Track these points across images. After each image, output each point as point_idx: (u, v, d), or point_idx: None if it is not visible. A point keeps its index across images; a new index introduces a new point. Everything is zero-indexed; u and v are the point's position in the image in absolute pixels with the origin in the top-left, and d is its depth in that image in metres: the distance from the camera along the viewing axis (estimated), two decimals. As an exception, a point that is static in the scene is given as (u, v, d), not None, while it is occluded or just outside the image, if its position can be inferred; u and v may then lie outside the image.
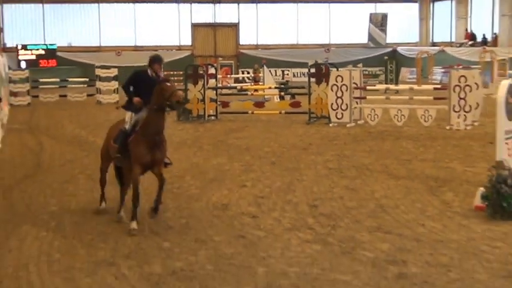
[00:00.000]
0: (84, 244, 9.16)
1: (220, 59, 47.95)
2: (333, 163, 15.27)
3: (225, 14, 51.80)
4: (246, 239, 9.29)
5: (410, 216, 10.36)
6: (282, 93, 30.67)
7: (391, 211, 10.71)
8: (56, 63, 46.47)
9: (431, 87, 26.81)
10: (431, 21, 53.54)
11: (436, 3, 53.43)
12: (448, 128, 20.51)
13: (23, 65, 43.98)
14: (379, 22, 52.86)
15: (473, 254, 8.39)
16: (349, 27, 52.59)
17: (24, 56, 45.86)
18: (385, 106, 22.47)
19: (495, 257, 8.28)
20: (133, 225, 9.63)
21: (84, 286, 7.61)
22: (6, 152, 17.83)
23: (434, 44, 51.55)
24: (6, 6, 48.35)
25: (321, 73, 23.60)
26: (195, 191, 12.49)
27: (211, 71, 27.30)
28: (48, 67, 45.43)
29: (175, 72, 37.52)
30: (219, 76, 32.61)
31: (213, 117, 24.77)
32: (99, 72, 33.59)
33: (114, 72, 33.34)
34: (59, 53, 47.02)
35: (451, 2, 50.69)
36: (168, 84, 9.87)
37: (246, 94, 27.26)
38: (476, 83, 21.10)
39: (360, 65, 25.19)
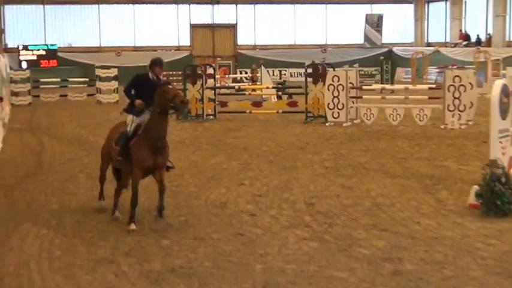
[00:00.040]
0: (85, 242, 9.16)
1: (218, 59, 47.91)
2: (330, 162, 15.27)
3: (223, 14, 51.77)
4: (244, 237, 9.30)
5: (405, 214, 10.37)
6: (280, 93, 30.66)
7: (386, 209, 10.72)
8: (57, 63, 46.41)
9: (426, 87, 26.83)
10: (426, 22, 53.54)
11: (431, 4, 53.44)
12: (442, 127, 20.53)
13: (24, 65, 43.92)
14: (375, 23, 52.85)
15: (467, 251, 8.40)
16: (345, 28, 52.56)
17: (25, 56, 45.80)
18: (380, 106, 22.48)
19: (489, 254, 8.29)
20: (132, 226, 9.62)
21: (85, 283, 7.60)
22: (8, 151, 17.81)
23: (429, 45, 51.55)
24: (7, 7, 48.28)
25: (317, 73, 23.60)
26: (194, 189, 12.49)
27: (210, 71, 27.32)
28: (49, 67, 45.35)
29: (174, 72, 37.51)
30: (217, 76, 32.67)
31: (211, 117, 24.77)
32: (99, 72, 33.56)
33: (114, 72, 33.32)
34: (59, 54, 46.95)
35: (446, 3, 50.70)
36: (170, 86, 9.83)
37: (244, 94, 27.24)
38: (470, 83, 21.12)
39: (356, 65, 25.22)
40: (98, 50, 49.27)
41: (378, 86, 29.06)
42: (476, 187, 10.42)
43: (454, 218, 10.04)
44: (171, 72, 38.40)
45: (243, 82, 40.44)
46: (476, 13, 47.18)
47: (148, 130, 9.72)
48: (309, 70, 24.20)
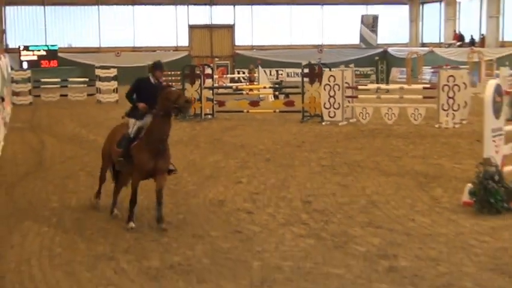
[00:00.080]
0: (85, 239, 9.15)
1: (216, 59, 47.88)
2: (326, 160, 15.28)
3: (221, 15, 51.72)
4: (241, 234, 9.30)
5: (400, 212, 10.37)
6: (277, 93, 30.69)
7: (382, 206, 10.72)
8: (57, 63, 46.30)
9: (420, 86, 26.82)
10: (420, 22, 53.54)
11: (425, 5, 53.43)
12: (437, 126, 20.54)
13: (25, 65, 43.84)
14: (370, 23, 52.82)
15: (461, 248, 8.40)
16: (341, 29, 52.52)
17: (26, 56, 45.69)
18: (376, 105, 22.50)
19: (483, 250, 8.30)
20: (131, 225, 9.60)
21: (85, 280, 7.60)
22: (9, 149, 17.79)
23: (423, 45, 51.55)
24: (8, 8, 48.18)
25: (314, 73, 23.61)
26: (192, 187, 12.48)
27: (208, 71, 27.26)
28: (50, 67, 45.24)
29: (172, 73, 37.44)
30: (215, 76, 32.59)
31: (209, 116, 24.77)
32: (98, 72, 33.54)
33: (113, 72, 33.29)
34: (59, 54, 46.85)
35: (440, 4, 50.71)
36: (173, 88, 9.78)
37: (242, 93, 27.22)
38: (464, 83, 21.14)
39: (352, 65, 25.18)
40: (98, 50, 49.20)
41: (374, 86, 29.03)
42: (470, 185, 10.43)
43: (448, 216, 10.05)
44: (169, 73, 38.34)
45: (241, 82, 40.41)
46: (470, 14, 47.20)
47: (151, 133, 9.59)
48: (306, 70, 24.20)
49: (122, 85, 32.20)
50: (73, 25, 49.48)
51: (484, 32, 44.58)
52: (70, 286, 7.42)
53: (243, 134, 20.37)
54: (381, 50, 51.48)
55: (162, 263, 8.09)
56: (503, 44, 42.45)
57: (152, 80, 10.09)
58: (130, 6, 50.41)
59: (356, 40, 52.71)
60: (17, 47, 46.42)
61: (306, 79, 23.82)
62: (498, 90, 10.40)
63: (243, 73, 43.70)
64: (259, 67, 35.39)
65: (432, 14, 52.13)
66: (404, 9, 54.04)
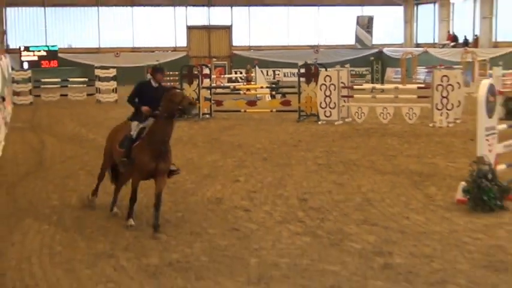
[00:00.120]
0: (85, 237, 9.14)
1: (214, 59, 47.87)
2: (322, 159, 15.28)
3: (218, 16, 51.72)
4: (239, 232, 9.29)
5: (395, 210, 10.38)
6: (273, 93, 30.67)
7: (377, 204, 10.72)
8: (57, 64, 46.25)
9: (415, 86, 26.83)
10: (415, 23, 53.59)
11: (420, 7, 53.48)
12: (431, 125, 20.56)
13: (26, 65, 43.79)
14: (366, 24, 52.85)
15: (455, 245, 8.41)
16: (337, 29, 52.57)
17: (26, 57, 45.65)
18: (371, 104, 22.50)
19: (476, 248, 8.31)
20: (130, 222, 9.58)
21: (85, 277, 7.59)
22: (10, 149, 17.76)
23: (418, 45, 51.59)
24: (9, 9, 48.12)
25: (310, 73, 23.61)
26: (191, 186, 12.47)
27: (206, 71, 27.29)
28: (50, 68, 45.20)
29: (171, 73, 37.45)
30: (213, 76, 32.57)
31: (207, 116, 24.76)
32: (98, 72, 33.52)
33: (112, 72, 33.28)
34: (60, 54, 46.81)
35: (434, 5, 50.77)
36: (178, 90, 9.72)
37: (239, 93, 27.22)
38: (458, 82, 21.16)
39: (348, 65, 25.13)
40: (97, 50, 49.17)
41: (369, 86, 29.03)
42: (463, 183, 10.43)
43: (442, 213, 10.06)
44: (168, 73, 38.30)
45: (238, 82, 40.45)
46: (464, 15, 47.26)
47: (153, 133, 9.48)
48: (302, 70, 24.19)
49: (121, 85, 32.34)
50: (73, 26, 49.44)
51: (477, 32, 44.65)
52: (70, 283, 7.41)
53: (241, 133, 20.37)
54: (376, 50, 51.54)
55: (161, 260, 8.08)
56: (496, 45, 42.53)
57: (153, 83, 10.03)
58: (129, 7, 50.40)
59: (352, 41, 52.76)
60: (18, 47, 46.38)
61: (302, 79, 23.81)
62: (491, 90, 10.41)
63: (241, 73, 43.71)
64: (257, 67, 35.35)
65: (426, 15, 52.19)
66: (399, 10, 54.08)
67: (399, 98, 23.25)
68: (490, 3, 43.32)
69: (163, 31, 50.53)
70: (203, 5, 51.12)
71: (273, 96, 29.96)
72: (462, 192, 10.39)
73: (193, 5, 50.98)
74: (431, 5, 51.25)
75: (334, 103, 22.22)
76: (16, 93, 32.25)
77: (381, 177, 12.89)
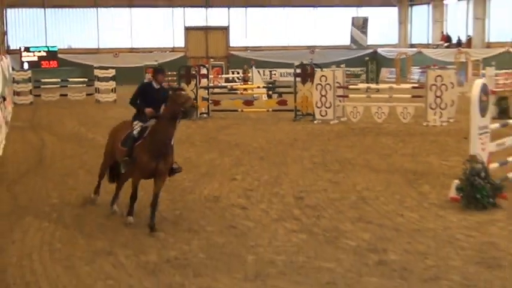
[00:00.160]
0: (84, 234, 9.14)
1: (211, 60, 47.77)
2: (318, 158, 15.28)
3: (216, 17, 51.66)
4: (236, 229, 9.30)
5: (390, 207, 10.39)
6: (270, 92, 30.64)
7: (372, 202, 10.74)
8: (57, 64, 46.15)
9: (409, 86, 26.82)
10: (409, 24, 53.58)
11: (414, 8, 53.47)
12: (425, 124, 20.58)
13: (26, 66, 43.69)
14: (361, 25, 52.84)
15: (448, 242, 8.42)
16: (332, 30, 52.56)
17: (26, 57, 45.54)
18: (366, 104, 22.50)
19: (469, 245, 8.32)
20: (130, 219, 9.58)
21: (84, 274, 7.59)
22: (10, 148, 17.74)
23: (412, 46, 51.56)
24: (10, 10, 48.01)
25: (306, 73, 23.60)
26: (188, 184, 12.47)
27: (203, 71, 27.28)
28: (50, 68, 45.09)
29: (169, 73, 37.40)
30: (210, 76, 32.58)
31: (205, 115, 24.75)
32: (97, 72, 33.46)
33: (111, 72, 33.22)
34: (59, 55, 46.71)
35: (428, 6, 50.77)
36: (183, 92, 9.69)
37: (236, 93, 27.17)
38: (451, 82, 21.20)
39: (343, 65, 25.14)
40: (97, 51, 49.08)
41: (364, 86, 29.05)
42: (457, 181, 10.45)
43: (436, 211, 10.07)
44: (166, 73, 38.25)
45: (235, 82, 40.36)
46: (457, 16, 47.27)
47: (154, 133, 9.39)
48: (298, 70, 24.17)
49: (120, 85, 32.34)
50: (72, 27, 49.35)
51: (470, 33, 44.65)
52: (70, 280, 7.42)
53: (238, 132, 20.37)
54: (371, 50, 51.52)
55: (159, 257, 8.09)
56: (489, 45, 42.54)
57: (154, 84, 9.98)
58: (127, 9, 50.31)
59: (347, 41, 52.73)
60: (18, 48, 46.27)
61: (298, 79, 23.80)
62: (484, 90, 10.43)
63: (238, 73, 43.67)
64: (253, 67, 35.35)
65: (420, 16, 52.20)
66: (394, 11, 54.08)
67: (394, 98, 23.24)
68: (482, 4, 43.35)
69: (161, 32, 50.43)
70: (201, 6, 51.07)
71: (269, 96, 29.94)
72: (455, 190, 10.41)
73: (191, 6, 50.91)
74: (425, 6, 51.26)
75: (330, 103, 22.23)
76: (16, 93, 32.19)
77: (375, 176, 12.90)
